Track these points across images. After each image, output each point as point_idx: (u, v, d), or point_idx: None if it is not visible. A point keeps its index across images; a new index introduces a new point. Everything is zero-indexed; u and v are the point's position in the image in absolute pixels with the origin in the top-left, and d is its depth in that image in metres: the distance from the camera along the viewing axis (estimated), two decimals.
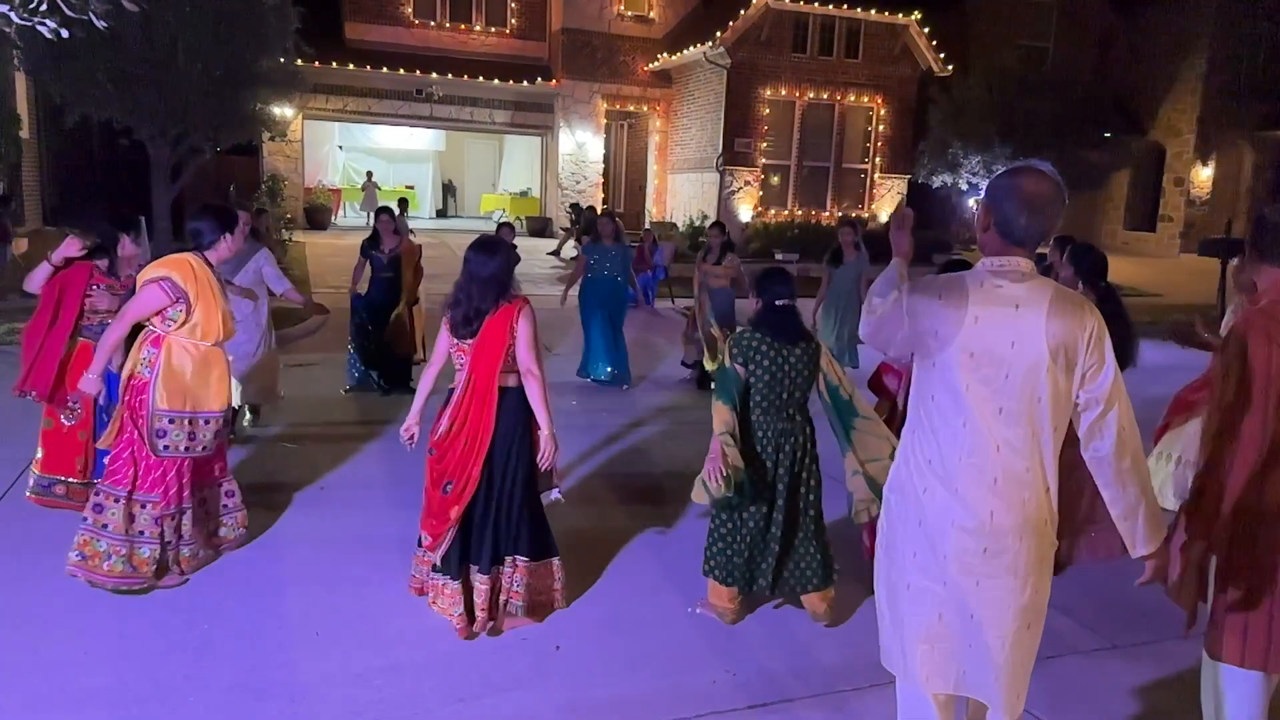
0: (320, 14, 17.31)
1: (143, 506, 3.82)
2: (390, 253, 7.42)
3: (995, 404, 2.20)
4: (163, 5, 10.78)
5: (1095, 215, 25.31)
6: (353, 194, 23.19)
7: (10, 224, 12.04)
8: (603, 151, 21.53)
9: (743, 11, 17.89)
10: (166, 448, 3.79)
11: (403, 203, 15.43)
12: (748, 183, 19.18)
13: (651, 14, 20.92)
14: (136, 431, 3.78)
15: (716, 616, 3.88)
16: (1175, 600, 2.80)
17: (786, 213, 19.58)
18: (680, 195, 21.02)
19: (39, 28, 5.53)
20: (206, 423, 3.90)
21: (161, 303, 3.75)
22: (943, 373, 2.24)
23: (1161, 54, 22.92)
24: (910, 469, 2.35)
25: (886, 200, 20.26)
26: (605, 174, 21.78)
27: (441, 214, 25.39)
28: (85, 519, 3.80)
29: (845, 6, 18.60)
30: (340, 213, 22.82)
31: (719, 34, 18.03)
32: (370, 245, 7.50)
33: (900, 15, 18.89)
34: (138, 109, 11.96)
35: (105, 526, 3.76)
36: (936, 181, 20.49)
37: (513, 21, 21.24)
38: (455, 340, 3.57)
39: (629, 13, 20.72)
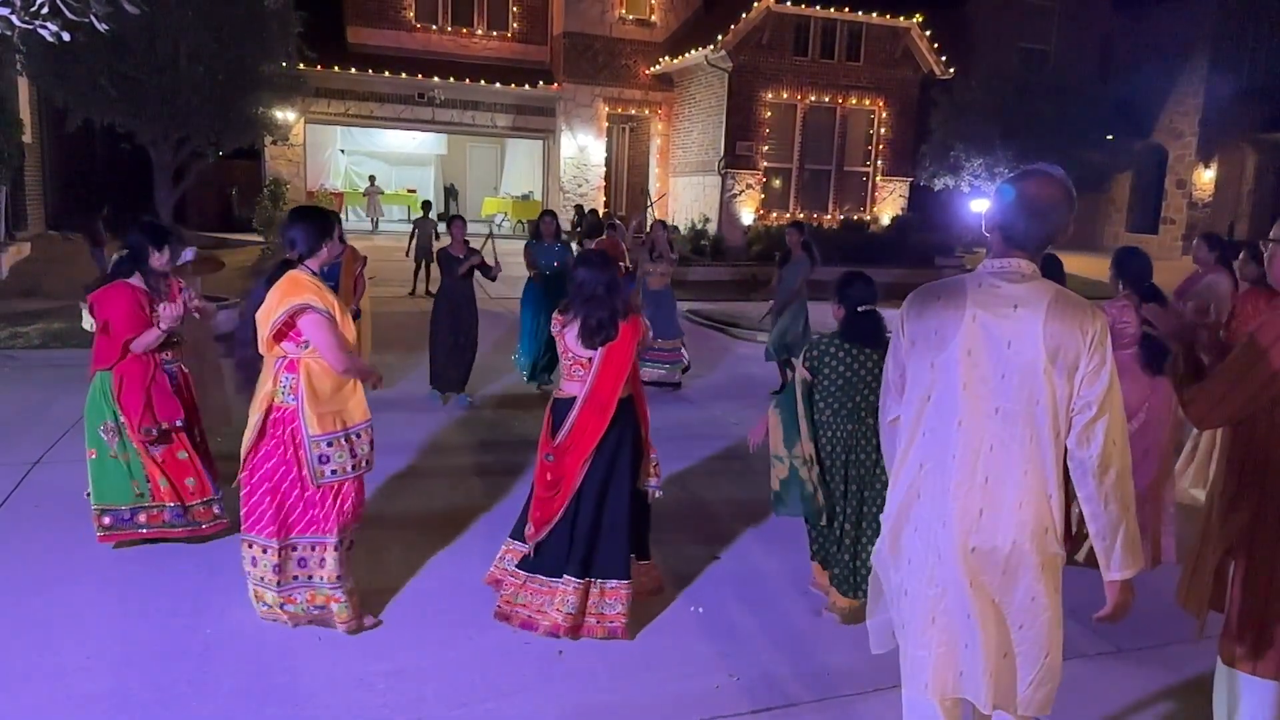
0: (322, 18, 17.38)
1: (294, 549, 3.60)
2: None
3: (992, 403, 2.19)
4: (165, 9, 10.81)
5: (1097, 217, 25.34)
6: (355, 198, 23.21)
7: (103, 229, 11.91)
8: (604, 155, 21.55)
9: (744, 15, 17.90)
10: (334, 472, 3.53)
11: (426, 205, 15.05)
12: (749, 185, 19.19)
13: (653, 17, 20.96)
14: (297, 466, 3.51)
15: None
16: (1184, 606, 2.77)
17: (789, 215, 19.57)
18: (682, 198, 21.04)
19: (40, 31, 5.51)
20: (359, 436, 3.61)
21: (332, 325, 3.50)
22: (941, 372, 2.24)
23: (1163, 56, 22.94)
24: (905, 474, 2.34)
25: (888, 203, 20.27)
26: (607, 177, 21.80)
27: (443, 218, 25.41)
28: (248, 571, 3.63)
29: (847, 9, 18.60)
30: (343, 216, 22.83)
31: (720, 37, 18.04)
32: None
33: (901, 18, 18.89)
34: (140, 113, 11.97)
35: (262, 579, 3.59)
36: (938, 184, 20.51)
37: (514, 25, 21.29)
38: (578, 352, 3.60)
39: (630, 16, 20.75)
